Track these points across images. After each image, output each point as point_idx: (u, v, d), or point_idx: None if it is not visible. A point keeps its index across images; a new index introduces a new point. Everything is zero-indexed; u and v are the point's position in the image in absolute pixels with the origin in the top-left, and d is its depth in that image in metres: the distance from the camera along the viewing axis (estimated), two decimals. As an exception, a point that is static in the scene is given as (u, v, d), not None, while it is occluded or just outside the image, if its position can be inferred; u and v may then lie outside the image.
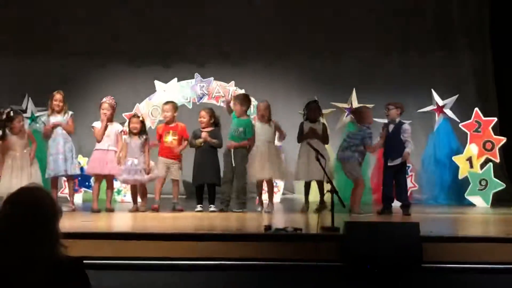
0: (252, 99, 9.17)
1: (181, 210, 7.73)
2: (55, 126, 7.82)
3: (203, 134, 7.89)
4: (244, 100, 8.13)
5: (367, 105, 8.73)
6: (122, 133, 8.06)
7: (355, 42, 10.98)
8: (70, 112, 7.97)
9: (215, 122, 8.04)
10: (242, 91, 9.59)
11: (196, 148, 7.99)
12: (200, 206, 7.80)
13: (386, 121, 8.02)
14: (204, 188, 7.99)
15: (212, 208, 7.78)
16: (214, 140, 7.90)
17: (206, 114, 8.00)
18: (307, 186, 8.09)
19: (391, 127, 7.78)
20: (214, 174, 7.91)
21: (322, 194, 7.59)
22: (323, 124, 8.34)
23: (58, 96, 7.93)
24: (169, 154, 7.91)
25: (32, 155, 7.83)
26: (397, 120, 7.75)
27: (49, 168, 7.79)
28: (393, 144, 7.69)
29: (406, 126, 7.74)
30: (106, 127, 7.84)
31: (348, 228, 4.93)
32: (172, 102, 8.31)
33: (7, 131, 7.74)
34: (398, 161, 7.61)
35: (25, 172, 7.70)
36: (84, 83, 10.87)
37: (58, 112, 7.90)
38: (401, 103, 7.96)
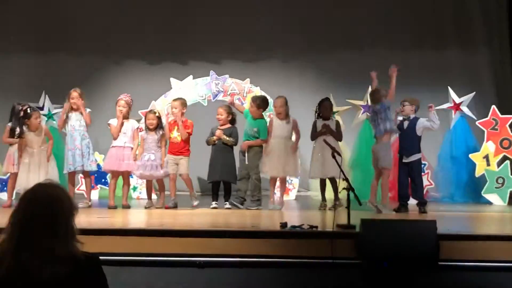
0: (267, 95, 9.21)
1: (167, 208, 7.68)
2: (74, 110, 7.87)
3: (217, 132, 7.91)
4: (262, 103, 8.13)
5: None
6: (138, 129, 8.10)
7: (371, 39, 10.93)
8: (88, 110, 8.05)
9: (232, 119, 8.05)
10: (257, 89, 9.60)
11: (211, 145, 7.99)
12: (215, 203, 7.82)
13: (400, 118, 7.94)
14: (220, 185, 8.00)
15: (227, 205, 7.79)
16: (228, 138, 7.90)
17: (224, 111, 8.02)
18: (323, 184, 8.07)
19: (405, 123, 7.73)
20: (229, 172, 7.93)
21: (336, 191, 7.60)
22: (336, 121, 8.32)
23: (74, 93, 7.99)
24: (176, 150, 7.90)
25: (49, 152, 7.91)
26: (412, 116, 7.70)
27: (67, 163, 7.87)
28: (408, 140, 7.64)
29: (422, 119, 7.69)
30: (122, 124, 7.88)
31: (364, 226, 4.91)
32: (180, 98, 8.28)
33: (24, 128, 7.81)
34: (413, 157, 7.56)
35: (43, 169, 7.78)
36: (101, 81, 10.94)
37: (75, 110, 7.96)
38: (416, 99, 7.89)
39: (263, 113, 8.25)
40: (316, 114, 8.14)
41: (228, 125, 8.02)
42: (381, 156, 7.44)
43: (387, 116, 7.46)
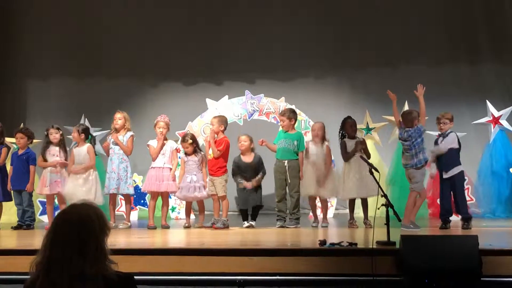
0: (302, 113, 9.26)
1: (215, 228, 7.61)
2: (113, 144, 8.02)
3: (249, 186, 7.86)
4: (292, 114, 8.18)
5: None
6: (177, 150, 8.19)
7: (405, 55, 10.90)
8: (130, 133, 8.18)
9: (253, 148, 8.06)
10: (293, 107, 9.62)
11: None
12: (247, 222, 7.86)
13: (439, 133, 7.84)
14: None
15: (252, 222, 7.81)
16: (258, 178, 7.90)
17: (247, 138, 8.03)
18: (352, 202, 8.03)
19: (440, 139, 7.65)
20: (257, 197, 7.95)
21: (366, 211, 7.85)
22: (363, 139, 8.29)
23: (117, 115, 8.18)
24: (210, 170, 7.94)
25: (83, 168, 7.94)
26: (448, 131, 7.61)
27: (104, 185, 8.03)
28: (446, 156, 7.54)
29: (452, 134, 7.58)
30: (162, 146, 7.99)
31: (404, 242, 4.86)
32: (220, 116, 8.34)
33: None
34: (453, 171, 7.45)
35: (88, 185, 7.89)
36: (138, 103, 11.12)
37: (118, 131, 8.10)
38: (452, 115, 7.79)
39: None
40: (340, 134, 8.10)
41: (252, 154, 8.02)
42: (416, 180, 7.37)
43: (423, 143, 7.39)
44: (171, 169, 8.02)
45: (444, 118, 7.62)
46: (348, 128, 8.03)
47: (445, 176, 7.49)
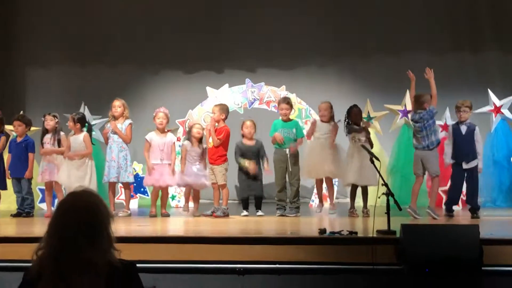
0: (302, 101, 9.26)
1: (216, 216, 7.60)
2: (112, 132, 8.00)
3: (252, 167, 7.84)
4: (290, 101, 8.21)
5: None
6: (175, 144, 8.16)
7: (407, 44, 10.84)
8: (128, 121, 8.12)
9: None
10: (293, 96, 9.58)
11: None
12: (246, 211, 7.87)
13: (440, 122, 7.83)
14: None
15: (260, 212, 7.83)
16: (265, 162, 7.93)
17: (252, 124, 8.01)
18: (354, 190, 8.00)
19: (463, 128, 7.64)
20: (259, 187, 7.98)
21: (366, 200, 7.81)
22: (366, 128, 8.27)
23: (116, 102, 8.13)
24: (210, 159, 7.93)
25: (78, 155, 7.92)
26: (469, 121, 7.59)
27: (104, 174, 8.02)
28: (468, 146, 7.57)
29: (478, 131, 7.65)
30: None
31: (405, 231, 4.85)
32: (221, 104, 8.31)
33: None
34: (473, 163, 7.53)
35: (81, 173, 7.89)
36: (138, 91, 11.08)
37: (117, 119, 8.07)
38: (471, 102, 7.81)
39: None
40: (346, 122, 8.02)
41: (253, 141, 8.00)
42: (433, 164, 7.33)
43: (435, 125, 7.41)
44: (170, 164, 7.99)
45: (464, 106, 7.66)
46: (353, 116, 7.97)
47: (465, 166, 7.56)
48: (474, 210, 7.45)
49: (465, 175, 7.62)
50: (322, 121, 8.03)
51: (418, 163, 7.41)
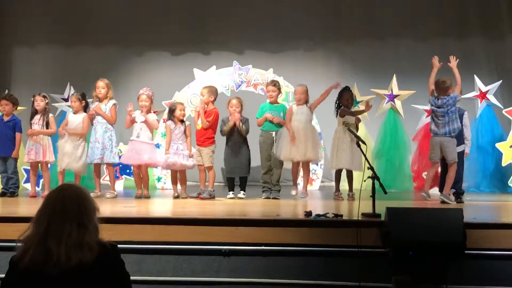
0: (289, 85, 9.22)
1: (202, 198, 7.62)
2: (96, 114, 7.95)
3: (236, 115, 7.82)
4: (278, 84, 8.18)
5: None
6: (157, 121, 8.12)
7: (395, 28, 10.85)
8: (112, 101, 8.08)
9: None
10: (281, 78, 9.57)
11: (226, 135, 7.94)
12: (232, 193, 7.86)
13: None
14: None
15: (241, 194, 7.82)
16: (244, 125, 7.84)
17: (238, 102, 7.95)
18: (338, 174, 8.01)
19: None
20: (245, 167, 7.95)
21: (351, 183, 7.83)
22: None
23: (100, 83, 8.07)
24: (198, 140, 7.90)
25: (76, 134, 7.95)
26: (458, 105, 7.61)
27: (87, 155, 7.98)
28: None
29: (467, 116, 7.63)
30: (133, 121, 7.94)
31: (389, 214, 4.87)
32: (210, 86, 8.26)
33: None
34: (459, 148, 7.51)
35: (76, 153, 7.90)
36: (124, 72, 11.02)
37: (101, 100, 8.01)
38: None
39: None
40: (336, 104, 8.01)
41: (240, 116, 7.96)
42: (451, 150, 7.32)
43: (457, 112, 7.36)
44: (148, 143, 7.95)
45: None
46: (345, 100, 7.96)
47: None
48: (458, 194, 7.48)
49: None
50: (298, 104, 7.95)
51: (435, 150, 7.39)
